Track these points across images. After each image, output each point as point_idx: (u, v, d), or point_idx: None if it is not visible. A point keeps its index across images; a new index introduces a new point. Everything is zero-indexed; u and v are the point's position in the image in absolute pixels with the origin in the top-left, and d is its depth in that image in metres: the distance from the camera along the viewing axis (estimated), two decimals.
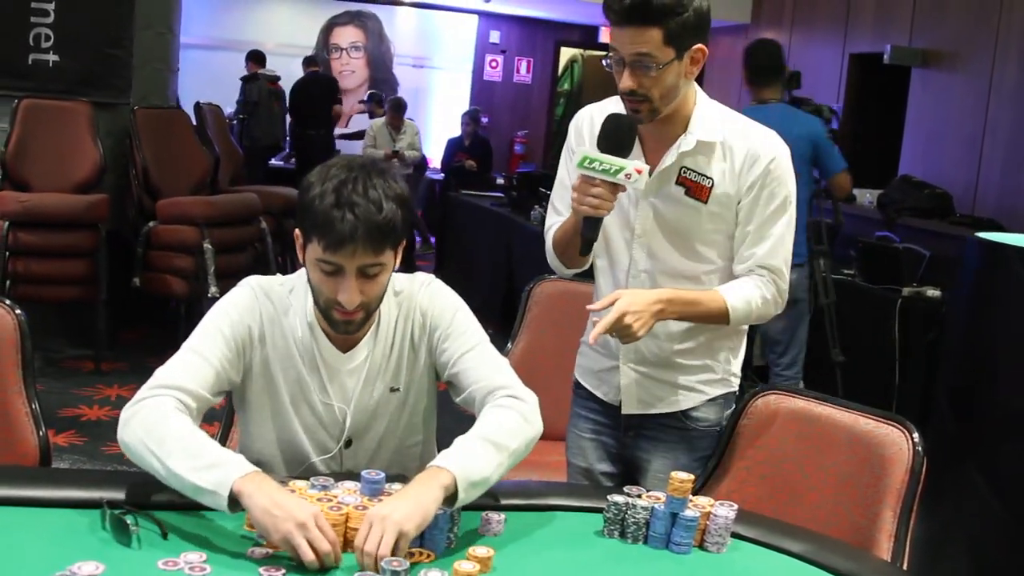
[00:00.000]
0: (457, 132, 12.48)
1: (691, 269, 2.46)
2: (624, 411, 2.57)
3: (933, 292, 5.58)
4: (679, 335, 2.50)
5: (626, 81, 2.29)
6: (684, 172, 2.40)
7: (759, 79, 5.28)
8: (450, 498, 1.95)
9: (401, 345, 2.29)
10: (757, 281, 2.42)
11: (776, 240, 2.42)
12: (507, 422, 2.12)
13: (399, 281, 2.31)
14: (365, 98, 12.99)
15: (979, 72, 7.71)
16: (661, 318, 2.34)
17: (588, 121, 2.53)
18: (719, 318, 2.41)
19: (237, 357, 2.21)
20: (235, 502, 1.89)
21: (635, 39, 2.24)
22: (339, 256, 2.05)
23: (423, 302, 2.30)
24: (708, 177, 2.39)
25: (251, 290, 2.26)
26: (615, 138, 2.28)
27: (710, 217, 2.42)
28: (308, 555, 1.80)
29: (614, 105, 2.46)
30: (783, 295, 2.45)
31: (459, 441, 2.06)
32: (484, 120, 13.14)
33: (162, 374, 2.13)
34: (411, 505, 1.86)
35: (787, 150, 2.43)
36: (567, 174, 2.54)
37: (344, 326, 2.16)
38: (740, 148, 2.39)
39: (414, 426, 2.36)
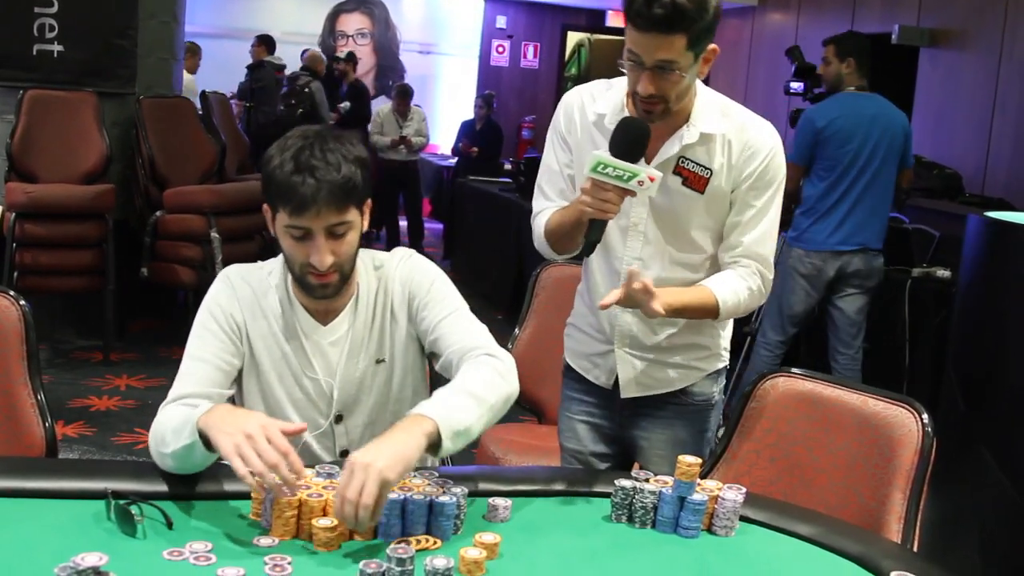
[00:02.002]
0: (463, 115, 12.43)
1: (685, 258, 2.47)
2: (623, 395, 2.57)
3: (943, 272, 5.57)
4: (669, 320, 2.50)
5: (646, 86, 2.25)
6: (682, 162, 2.39)
7: (868, 69, 5.40)
8: (434, 446, 1.97)
9: (382, 316, 2.34)
10: (742, 272, 2.43)
11: (766, 229, 2.43)
12: (484, 376, 2.15)
13: (379, 257, 2.38)
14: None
15: (988, 51, 7.66)
16: (665, 311, 2.29)
17: (579, 107, 2.51)
18: (710, 313, 2.42)
19: (234, 345, 2.27)
20: (210, 443, 1.93)
21: (660, 46, 2.20)
22: (305, 219, 2.12)
23: (401, 273, 2.35)
24: (707, 168, 2.39)
25: (227, 279, 2.32)
26: (629, 144, 2.25)
27: (706, 207, 2.42)
28: (255, 465, 1.82)
29: (604, 89, 2.47)
30: (768, 285, 2.47)
31: (439, 392, 2.09)
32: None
33: (171, 391, 2.18)
34: (393, 452, 1.87)
35: (780, 142, 2.43)
36: (555, 159, 2.54)
37: (321, 290, 2.21)
38: (738, 141, 2.39)
39: (404, 401, 2.38)
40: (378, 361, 2.34)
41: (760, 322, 5.62)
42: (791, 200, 5.49)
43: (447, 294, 2.35)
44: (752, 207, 2.41)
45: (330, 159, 2.12)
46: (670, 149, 2.38)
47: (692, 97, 2.38)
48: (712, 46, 2.28)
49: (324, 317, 2.31)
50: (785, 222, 5.93)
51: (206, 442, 1.93)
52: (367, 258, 2.36)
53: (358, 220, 2.21)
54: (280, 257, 2.32)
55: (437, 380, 2.43)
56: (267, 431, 1.87)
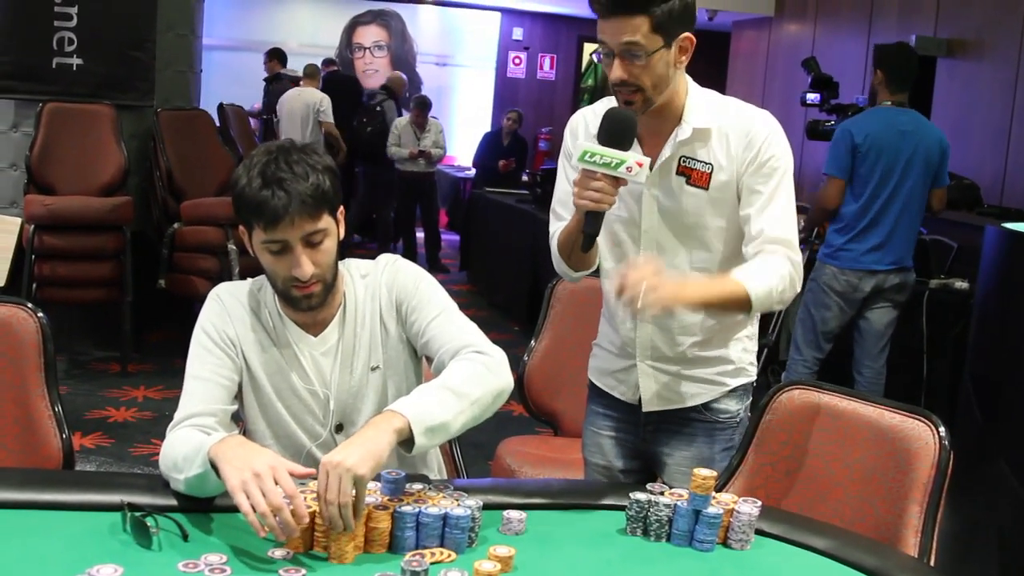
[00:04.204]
0: (480, 126, 12.43)
1: (702, 262, 2.46)
2: (645, 409, 2.56)
3: (961, 284, 5.55)
4: (693, 328, 2.49)
5: (616, 72, 2.28)
6: (683, 161, 2.40)
7: (902, 83, 5.31)
8: (406, 443, 2.00)
9: (372, 323, 2.35)
10: (770, 259, 2.35)
11: (782, 213, 2.38)
12: (467, 371, 2.16)
13: (365, 265, 2.40)
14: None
15: (1005, 61, 7.63)
16: (682, 294, 2.25)
17: (583, 123, 2.53)
18: (740, 301, 2.31)
19: (231, 360, 2.29)
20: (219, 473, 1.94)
21: (623, 29, 2.23)
22: (280, 231, 2.14)
23: (387, 279, 2.37)
24: (707, 163, 2.39)
25: (216, 298, 2.35)
26: (615, 132, 2.26)
27: (713, 203, 2.41)
28: (259, 505, 1.82)
29: (605, 104, 2.47)
30: (798, 268, 2.38)
31: (417, 389, 2.12)
32: None
33: (176, 413, 2.21)
34: (363, 450, 1.90)
35: (779, 127, 2.42)
36: (566, 178, 2.55)
37: (306, 301, 2.23)
38: (735, 130, 2.38)
39: None
40: (372, 369, 2.35)
41: (793, 340, 5.56)
42: (829, 217, 5.30)
43: (433, 295, 2.35)
44: (760, 194, 2.37)
45: (296, 170, 2.14)
46: (667, 150, 2.39)
47: (683, 95, 2.40)
48: (686, 34, 2.30)
49: (314, 329, 2.33)
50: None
51: (217, 471, 1.94)
52: (353, 268, 2.38)
53: (333, 227, 2.23)
54: None
55: None
56: (276, 472, 1.87)
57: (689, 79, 2.43)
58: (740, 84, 11.78)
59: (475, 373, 2.16)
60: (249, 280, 2.38)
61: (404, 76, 12.18)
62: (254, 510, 1.83)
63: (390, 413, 2.01)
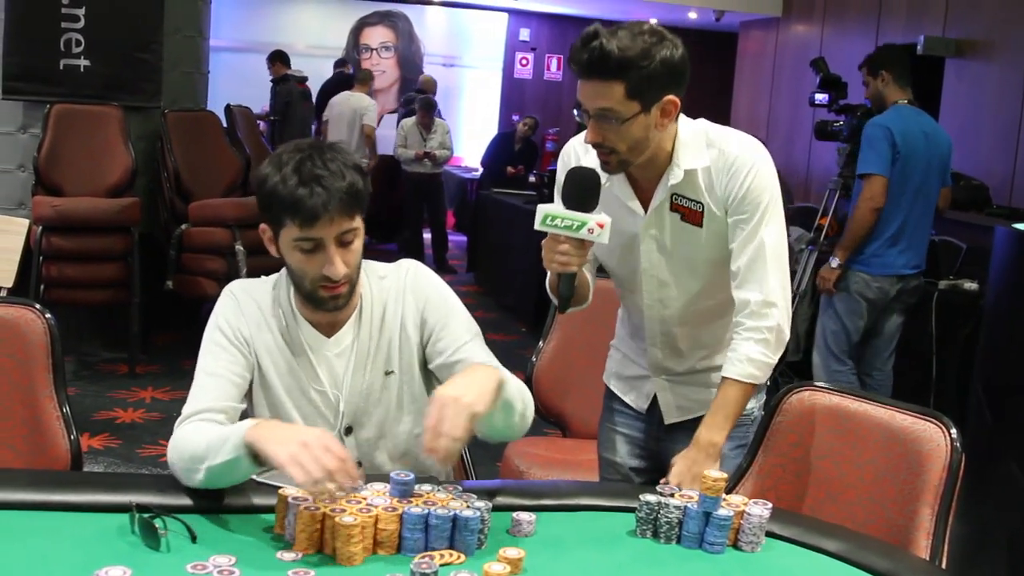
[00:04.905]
0: (487, 127, 12.45)
1: (704, 293, 2.47)
2: (667, 421, 2.60)
3: (970, 285, 5.52)
4: (698, 342, 2.53)
5: (590, 134, 2.27)
6: (676, 199, 2.38)
7: (908, 77, 5.26)
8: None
9: (392, 328, 2.34)
10: (745, 335, 2.36)
11: (760, 252, 2.36)
12: (521, 387, 2.20)
13: (382, 268, 2.39)
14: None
15: (1014, 62, 7.61)
16: (713, 449, 2.33)
17: (573, 155, 2.50)
18: (747, 392, 2.37)
19: (244, 358, 2.28)
20: (257, 456, 1.94)
21: (597, 93, 2.20)
22: (316, 230, 2.13)
23: (411, 285, 2.36)
24: (699, 202, 2.37)
25: (231, 295, 2.34)
26: (578, 194, 2.23)
27: (709, 238, 2.40)
28: (313, 472, 1.82)
29: None
30: (777, 316, 2.36)
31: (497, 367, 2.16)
32: (515, 118, 13.15)
33: (185, 407, 2.19)
34: (480, 388, 1.96)
35: (766, 158, 2.38)
36: None
37: (332, 302, 2.23)
38: (719, 166, 2.35)
39: (418, 414, 2.36)
40: (387, 373, 2.34)
41: (826, 353, 5.39)
42: (878, 216, 5.04)
43: (464, 315, 2.37)
44: (743, 230, 2.36)
45: (332, 167, 2.13)
46: (660, 194, 2.38)
47: (671, 143, 2.36)
48: (670, 97, 2.24)
49: (328, 330, 2.32)
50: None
51: (254, 457, 1.93)
52: (369, 270, 2.37)
53: (362, 227, 2.22)
54: (282, 272, 2.33)
55: None
56: (322, 439, 1.89)
57: (681, 118, 2.37)
58: (747, 85, 11.78)
59: (525, 395, 2.21)
60: (263, 278, 2.37)
61: (434, 78, 12.33)
62: (309, 482, 1.84)
63: (489, 368, 2.08)
